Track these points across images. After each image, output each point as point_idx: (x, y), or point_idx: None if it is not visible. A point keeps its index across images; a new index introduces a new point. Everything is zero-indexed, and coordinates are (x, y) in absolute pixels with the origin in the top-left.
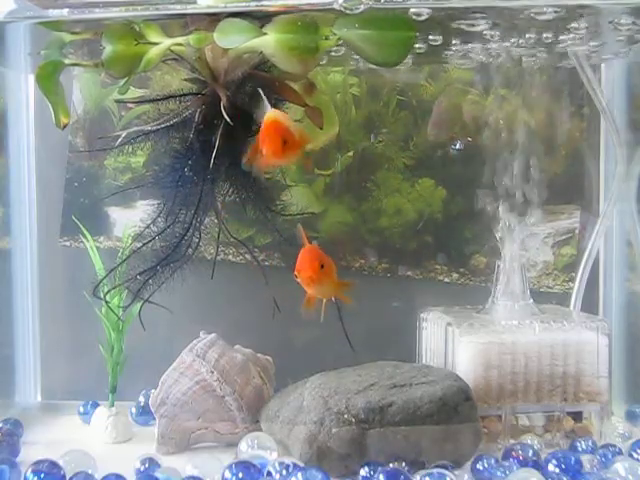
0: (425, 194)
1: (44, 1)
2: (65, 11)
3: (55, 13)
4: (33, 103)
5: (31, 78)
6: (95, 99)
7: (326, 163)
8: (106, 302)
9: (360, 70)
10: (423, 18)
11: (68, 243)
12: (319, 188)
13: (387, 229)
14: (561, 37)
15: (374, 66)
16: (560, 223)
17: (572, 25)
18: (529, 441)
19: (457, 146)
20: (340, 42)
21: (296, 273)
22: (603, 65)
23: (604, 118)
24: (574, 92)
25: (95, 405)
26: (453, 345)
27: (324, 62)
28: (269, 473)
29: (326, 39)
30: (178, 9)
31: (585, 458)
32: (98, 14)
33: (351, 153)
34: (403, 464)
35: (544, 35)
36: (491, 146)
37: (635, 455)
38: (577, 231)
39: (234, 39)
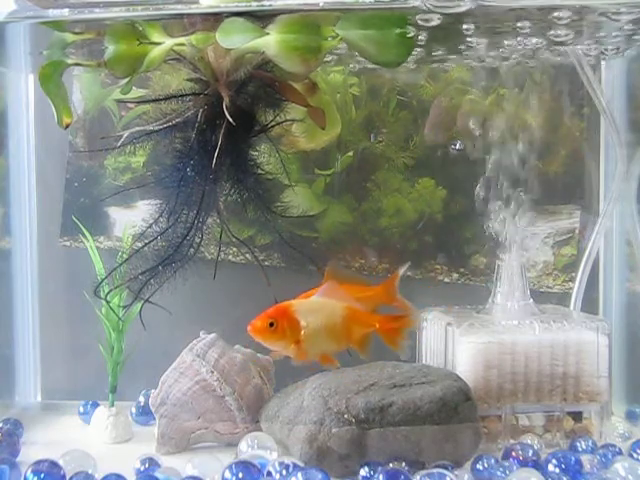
0: (425, 194)
1: (43, 1)
2: (65, 11)
3: (55, 13)
4: (33, 103)
5: (31, 78)
6: (95, 99)
7: (326, 163)
8: (107, 302)
9: (360, 70)
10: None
11: (68, 243)
12: (319, 188)
13: (387, 229)
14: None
15: (375, 66)
16: (560, 223)
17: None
18: (529, 441)
19: (457, 146)
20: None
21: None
22: (603, 65)
23: (604, 118)
24: (574, 92)
25: (95, 405)
26: (453, 345)
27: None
28: (269, 473)
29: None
30: (179, 9)
31: (585, 458)
32: (98, 14)
33: (351, 153)
34: (403, 464)
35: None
36: (490, 146)
37: (635, 455)
38: (577, 231)
39: (236, 39)
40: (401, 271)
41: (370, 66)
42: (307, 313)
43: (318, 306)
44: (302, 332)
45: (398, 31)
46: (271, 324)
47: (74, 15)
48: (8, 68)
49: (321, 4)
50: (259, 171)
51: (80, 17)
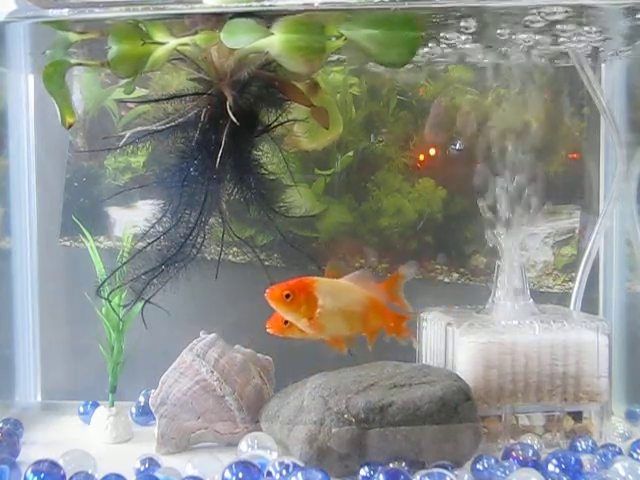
0: (425, 194)
1: (43, 1)
2: (65, 11)
3: (55, 13)
4: (33, 103)
5: (31, 78)
6: (95, 99)
7: (326, 163)
8: (109, 301)
9: (360, 70)
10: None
11: (68, 243)
12: (319, 188)
13: (387, 229)
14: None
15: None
16: (560, 223)
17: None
18: (529, 441)
19: (457, 146)
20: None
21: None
22: (603, 65)
23: (604, 118)
24: (574, 92)
25: (95, 405)
26: (453, 345)
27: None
28: (269, 473)
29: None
30: (179, 9)
31: (585, 458)
32: (98, 14)
33: (351, 153)
34: (403, 464)
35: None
36: (490, 146)
37: (635, 455)
38: (577, 231)
39: (241, 39)
40: (405, 271)
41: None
42: (327, 293)
43: (341, 289)
44: (317, 310)
45: (402, 32)
46: (287, 295)
47: (74, 15)
48: (8, 68)
49: (316, 4)
50: (261, 171)
51: (80, 17)
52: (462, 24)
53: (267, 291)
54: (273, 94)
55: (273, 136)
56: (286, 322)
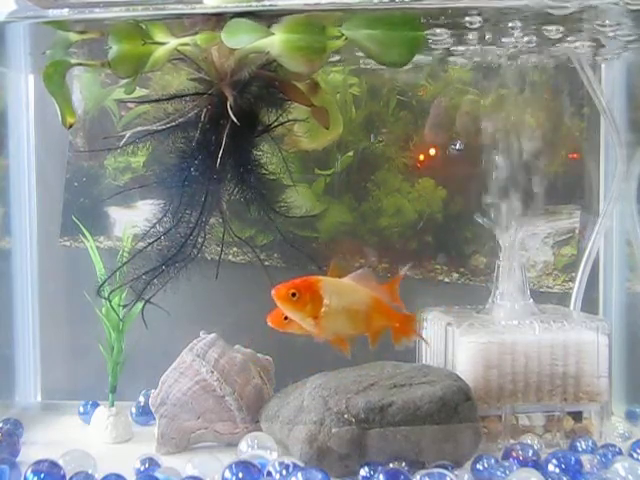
0: (425, 194)
1: (43, 1)
2: (65, 11)
3: (55, 13)
4: (33, 103)
5: (31, 78)
6: (95, 99)
7: (326, 163)
8: (109, 301)
9: (360, 70)
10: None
11: (68, 243)
12: (319, 188)
13: (387, 229)
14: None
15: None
16: (560, 223)
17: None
18: (529, 441)
19: (457, 146)
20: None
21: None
22: (603, 65)
23: (604, 118)
24: (574, 92)
25: (95, 405)
26: (453, 345)
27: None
28: (269, 473)
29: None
30: (179, 9)
31: (585, 458)
32: (98, 14)
33: (351, 153)
34: (403, 464)
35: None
36: (490, 147)
37: (635, 455)
38: (577, 231)
39: (242, 39)
40: (403, 272)
41: (372, 66)
42: (332, 292)
43: (346, 288)
44: (322, 310)
45: (402, 32)
46: (293, 294)
47: (74, 15)
48: (8, 68)
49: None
50: (262, 171)
51: (80, 17)
52: (467, 19)
53: (273, 290)
54: (273, 94)
55: (273, 136)
56: (286, 317)
